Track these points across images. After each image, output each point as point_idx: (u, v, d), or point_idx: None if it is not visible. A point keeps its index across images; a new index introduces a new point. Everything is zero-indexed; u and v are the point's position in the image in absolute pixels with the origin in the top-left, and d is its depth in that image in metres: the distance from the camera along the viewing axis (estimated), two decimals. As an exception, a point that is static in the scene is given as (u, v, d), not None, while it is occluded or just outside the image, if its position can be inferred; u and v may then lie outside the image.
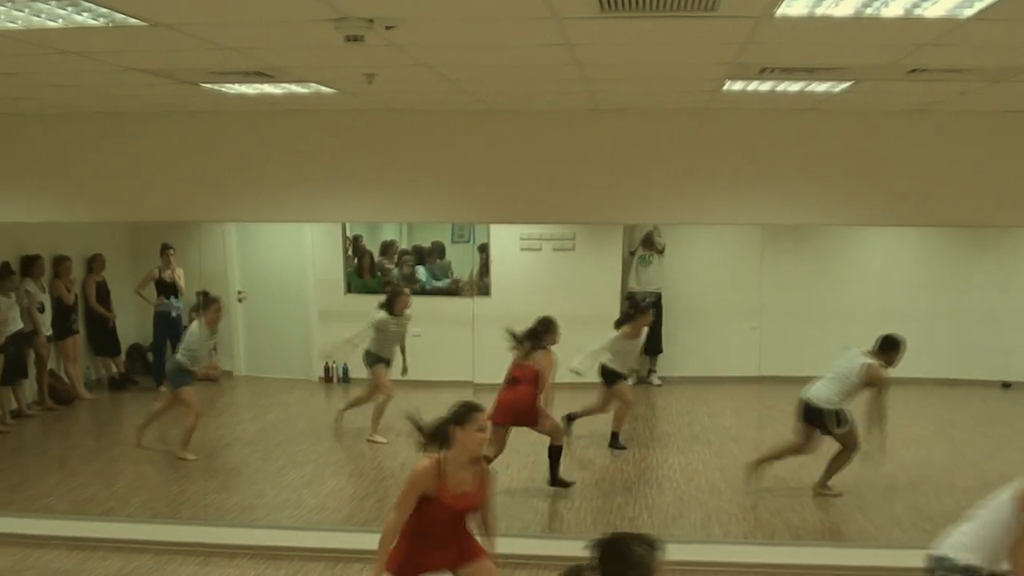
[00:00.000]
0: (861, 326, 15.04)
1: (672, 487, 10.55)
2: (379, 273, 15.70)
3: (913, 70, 6.38)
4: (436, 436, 5.93)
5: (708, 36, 5.44)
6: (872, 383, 9.73)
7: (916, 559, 8.39)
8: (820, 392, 9.89)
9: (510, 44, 5.71)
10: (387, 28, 4.96)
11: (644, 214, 9.70)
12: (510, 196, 8.82)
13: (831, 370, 9.99)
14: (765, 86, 7.06)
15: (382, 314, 11.93)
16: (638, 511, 9.69)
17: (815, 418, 9.89)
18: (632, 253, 15.70)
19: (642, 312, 11.87)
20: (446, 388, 11.97)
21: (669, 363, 13.77)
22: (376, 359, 11.94)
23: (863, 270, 15.71)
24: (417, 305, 14.56)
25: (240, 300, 15.18)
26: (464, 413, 5.87)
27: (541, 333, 10.11)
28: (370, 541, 8.45)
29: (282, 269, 14.71)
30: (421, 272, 15.88)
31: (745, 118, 8.49)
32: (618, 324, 11.76)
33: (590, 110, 8.49)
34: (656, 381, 14.21)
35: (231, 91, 7.61)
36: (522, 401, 9.87)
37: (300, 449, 11.47)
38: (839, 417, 9.78)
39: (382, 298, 12.22)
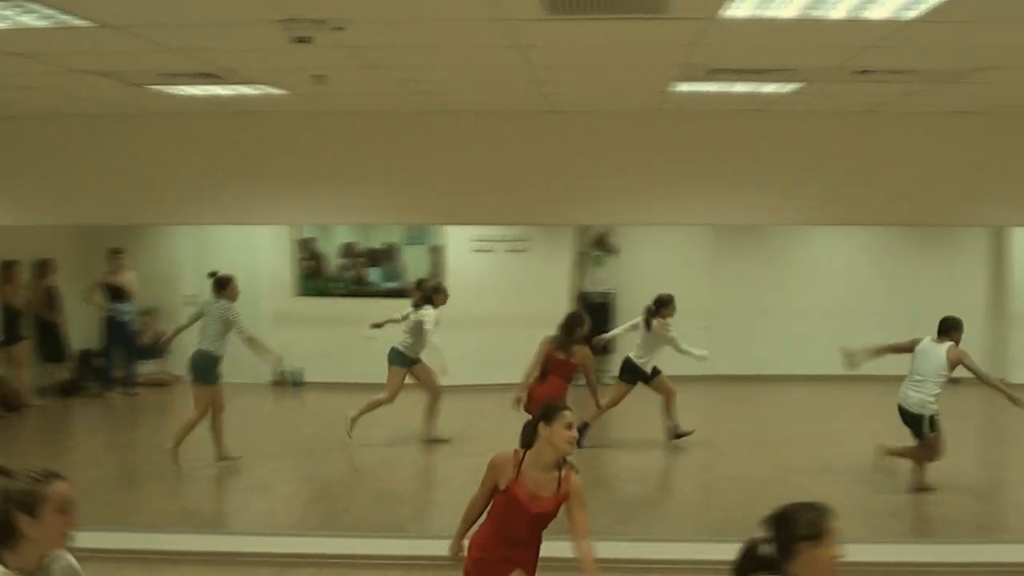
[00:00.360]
0: (810, 324, 15.27)
1: (624, 486, 10.59)
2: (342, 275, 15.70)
3: (859, 71, 6.44)
4: (525, 435, 5.76)
5: (656, 38, 5.47)
6: (959, 362, 9.76)
7: (867, 554, 8.52)
8: (914, 397, 9.90)
9: (460, 45, 5.71)
10: (334, 29, 4.95)
11: (597, 215, 9.71)
12: (464, 198, 8.79)
13: (914, 372, 9.96)
14: (714, 87, 7.10)
15: (429, 310, 11.71)
16: (593, 509, 9.68)
17: (913, 423, 9.93)
18: (584, 254, 15.76)
19: (664, 304, 11.88)
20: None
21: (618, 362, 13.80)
22: (404, 360, 11.80)
23: (813, 269, 15.87)
24: (369, 308, 14.55)
25: (190, 303, 15.08)
26: (551, 410, 5.67)
27: (573, 327, 10.29)
28: (319, 545, 8.51)
29: (233, 272, 14.64)
30: (374, 274, 15.87)
31: (696, 119, 8.53)
32: (647, 320, 11.79)
33: (543, 112, 8.50)
34: (607, 381, 14.25)
35: (181, 93, 7.56)
36: (551, 394, 9.86)
37: (251, 454, 11.39)
38: (932, 422, 9.80)
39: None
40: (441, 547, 8.62)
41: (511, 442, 9.83)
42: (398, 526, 9.24)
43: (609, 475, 10.98)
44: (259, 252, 15.24)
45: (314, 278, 15.66)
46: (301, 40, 5.09)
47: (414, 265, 15.80)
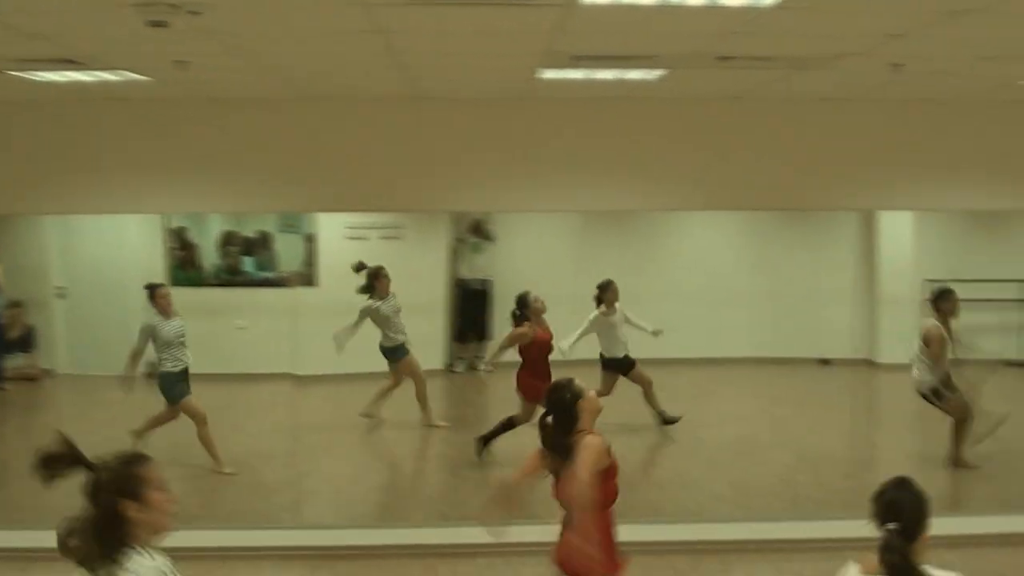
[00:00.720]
0: (680, 308, 15.44)
1: (498, 469, 10.64)
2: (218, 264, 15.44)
3: (722, 58, 6.53)
4: (568, 420, 5.47)
5: (517, 24, 5.48)
6: (928, 341, 9.92)
7: (740, 532, 8.71)
8: (915, 375, 10.13)
9: (321, 31, 5.65)
10: (190, 14, 4.87)
11: (468, 202, 9.70)
12: (335, 185, 8.72)
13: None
14: (580, 74, 7.14)
15: (369, 302, 11.70)
16: (466, 495, 9.75)
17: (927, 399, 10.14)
18: (461, 241, 15.75)
19: (604, 289, 11.99)
20: (267, 381, 11.84)
21: (498, 349, 13.91)
22: (401, 350, 11.74)
23: (684, 254, 16.04)
24: (242, 297, 14.39)
25: (59, 296, 14.75)
26: (572, 386, 5.54)
27: (521, 309, 10.45)
28: (193, 539, 8.39)
29: (104, 262, 14.34)
30: (248, 263, 15.66)
31: (566, 106, 8.59)
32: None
33: (414, 98, 8.47)
34: (484, 367, 14.32)
35: (41, 79, 7.38)
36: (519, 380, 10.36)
37: (122, 447, 11.19)
38: (937, 393, 9.97)
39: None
40: (315, 537, 8.65)
41: (386, 430, 9.81)
42: (272, 517, 9.17)
43: (486, 458, 11.05)
44: (128, 242, 14.93)
45: (185, 268, 15.39)
46: (156, 24, 4.99)
47: (289, 254, 15.62)
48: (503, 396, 12.08)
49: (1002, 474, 10.21)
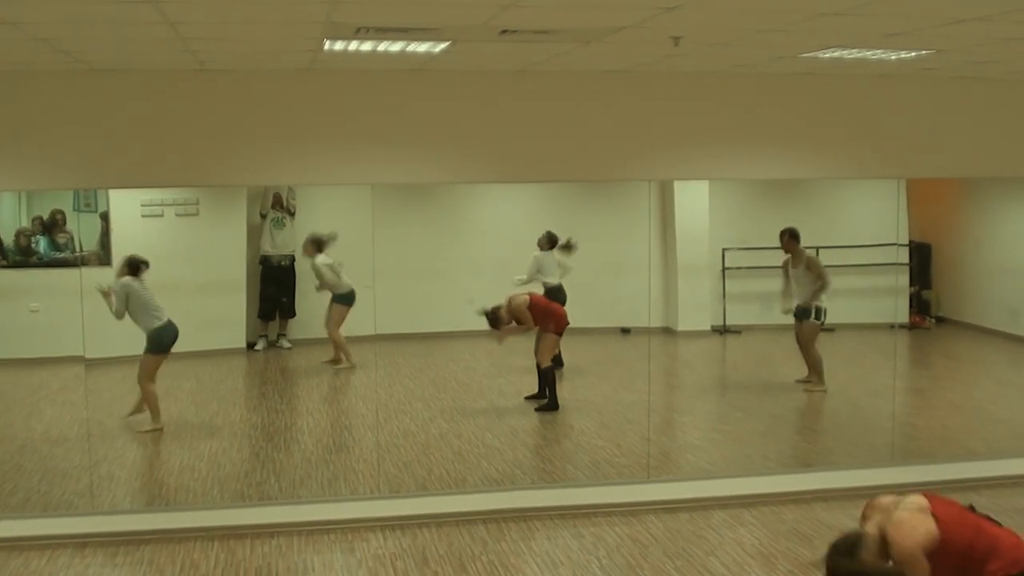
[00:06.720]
0: (479, 281, 15.53)
1: (300, 448, 10.59)
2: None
3: (504, 31, 6.58)
4: None
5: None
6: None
7: (541, 499, 8.86)
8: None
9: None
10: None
11: (263, 176, 9.49)
12: (125, 160, 8.43)
13: None
14: (366, 46, 7.11)
15: (325, 258, 12.93)
16: (265, 476, 9.68)
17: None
18: (264, 216, 15.53)
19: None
20: (61, 364, 11.53)
21: (301, 326, 13.77)
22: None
23: (483, 227, 16.09)
24: (36, 278, 13.94)
25: None
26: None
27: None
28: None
29: None
30: (41, 243, 15.16)
31: (357, 79, 8.55)
32: None
33: (202, 71, 8.29)
34: (286, 344, 14.20)
35: None
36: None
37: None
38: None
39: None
40: (112, 522, 8.48)
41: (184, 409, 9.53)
42: (66, 504, 8.96)
43: (286, 438, 10.96)
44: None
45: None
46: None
47: (86, 234, 15.15)
48: (305, 372, 12.04)
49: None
